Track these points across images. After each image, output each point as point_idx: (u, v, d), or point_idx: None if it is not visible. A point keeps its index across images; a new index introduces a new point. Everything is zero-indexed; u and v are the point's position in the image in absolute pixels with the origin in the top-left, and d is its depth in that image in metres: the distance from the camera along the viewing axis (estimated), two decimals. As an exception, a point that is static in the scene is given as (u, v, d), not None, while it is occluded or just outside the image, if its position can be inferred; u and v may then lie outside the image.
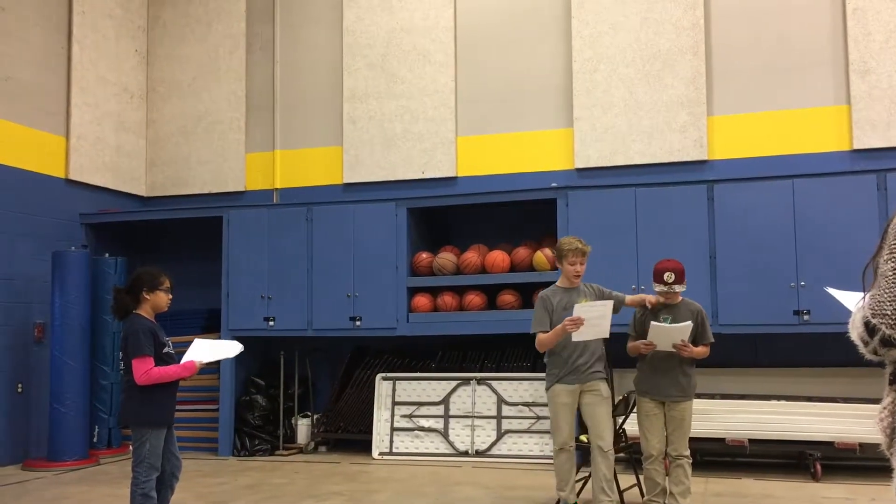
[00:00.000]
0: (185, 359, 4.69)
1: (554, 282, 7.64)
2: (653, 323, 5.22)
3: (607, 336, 5.28)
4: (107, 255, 8.81)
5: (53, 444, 7.97)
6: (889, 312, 1.82)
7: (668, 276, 5.22)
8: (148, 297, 4.73)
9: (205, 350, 4.80)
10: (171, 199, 9.97)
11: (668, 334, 5.17)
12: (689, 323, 5.16)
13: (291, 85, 9.74)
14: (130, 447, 4.68)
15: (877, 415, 1.98)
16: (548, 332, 5.28)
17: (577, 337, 5.15)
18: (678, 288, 5.24)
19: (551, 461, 7.61)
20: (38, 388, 8.28)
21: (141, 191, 10.03)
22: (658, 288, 5.29)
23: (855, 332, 1.92)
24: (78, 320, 8.15)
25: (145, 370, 4.51)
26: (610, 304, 5.19)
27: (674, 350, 5.18)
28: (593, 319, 5.09)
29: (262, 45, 9.87)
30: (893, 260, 1.85)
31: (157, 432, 4.59)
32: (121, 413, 4.80)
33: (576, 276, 5.40)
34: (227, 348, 4.95)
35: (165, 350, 4.70)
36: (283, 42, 9.80)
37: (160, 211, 9.55)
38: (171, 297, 4.88)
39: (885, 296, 1.83)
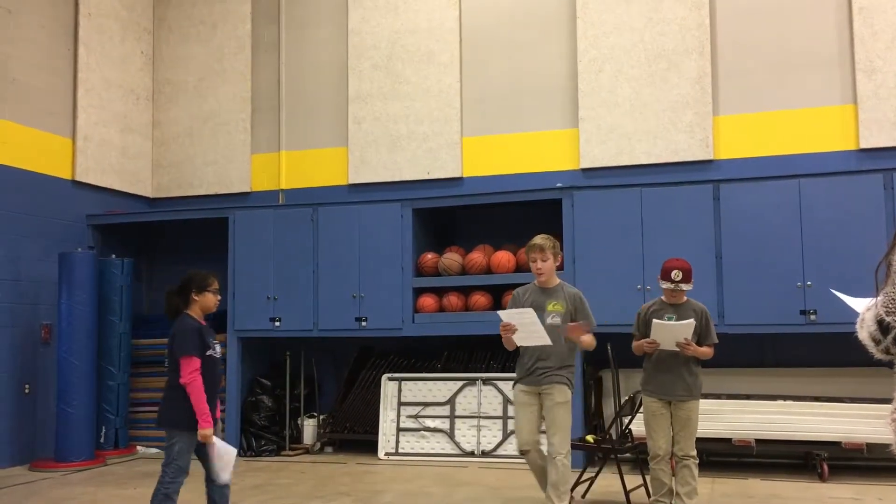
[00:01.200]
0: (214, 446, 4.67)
1: (560, 283, 7.69)
2: (655, 321, 5.23)
3: (549, 343, 5.05)
4: (113, 256, 8.83)
5: (60, 445, 7.99)
6: None
7: (676, 274, 5.23)
8: (197, 297, 4.81)
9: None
10: (177, 200, 9.99)
11: (671, 332, 5.18)
12: (692, 321, 5.16)
13: (297, 86, 9.76)
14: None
15: (888, 415, 1.97)
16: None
17: (519, 342, 5.11)
18: (684, 286, 5.24)
19: (557, 461, 7.65)
20: (45, 389, 8.30)
21: (147, 192, 10.06)
22: (664, 285, 5.30)
23: (865, 331, 1.91)
24: (84, 321, 8.17)
25: (192, 370, 4.57)
26: (530, 311, 4.99)
27: (677, 349, 5.18)
28: (526, 326, 4.99)
29: (267, 46, 9.89)
30: None
31: (189, 435, 4.62)
32: (158, 412, 4.89)
33: (538, 274, 5.27)
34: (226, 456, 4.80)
35: (209, 353, 4.73)
36: (289, 43, 9.82)
37: (166, 212, 9.57)
38: (219, 298, 4.95)
39: None
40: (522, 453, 5.31)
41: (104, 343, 8.55)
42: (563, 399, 5.17)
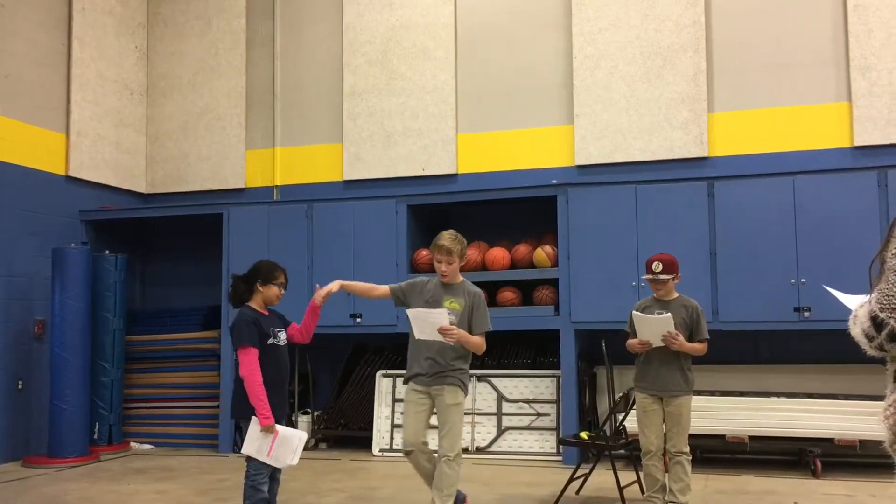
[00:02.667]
0: (277, 434, 4.67)
1: (554, 279, 7.71)
2: (633, 312, 5.25)
3: (441, 340, 4.89)
4: (107, 252, 8.81)
5: (54, 441, 7.97)
6: None
7: (656, 266, 5.26)
8: (261, 288, 4.86)
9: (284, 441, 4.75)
10: (171, 196, 9.96)
11: (651, 326, 5.18)
12: (669, 315, 5.15)
13: (292, 81, 9.73)
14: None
15: (881, 412, 1.97)
16: (393, 290, 5.15)
17: (418, 335, 4.93)
18: (664, 276, 5.25)
19: (552, 457, 7.67)
20: (39, 385, 8.28)
21: (141, 188, 10.03)
22: (645, 277, 5.37)
23: (858, 327, 1.91)
24: (78, 317, 8.15)
25: (249, 363, 4.61)
26: (443, 312, 4.85)
27: (663, 344, 5.18)
28: (430, 323, 4.84)
29: (262, 41, 9.87)
30: None
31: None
32: (232, 405, 4.92)
33: (442, 276, 5.07)
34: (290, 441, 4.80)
35: (270, 342, 4.78)
36: (284, 38, 9.80)
37: (160, 208, 9.54)
38: (283, 292, 4.98)
39: (895, 290, 1.82)
40: (406, 454, 5.08)
41: (98, 339, 8.53)
42: (454, 401, 5.00)
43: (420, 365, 5.04)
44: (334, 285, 5.17)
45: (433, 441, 5.01)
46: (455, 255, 5.06)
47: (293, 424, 8.50)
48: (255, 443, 4.65)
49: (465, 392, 5.12)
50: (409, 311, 4.96)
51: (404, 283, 5.24)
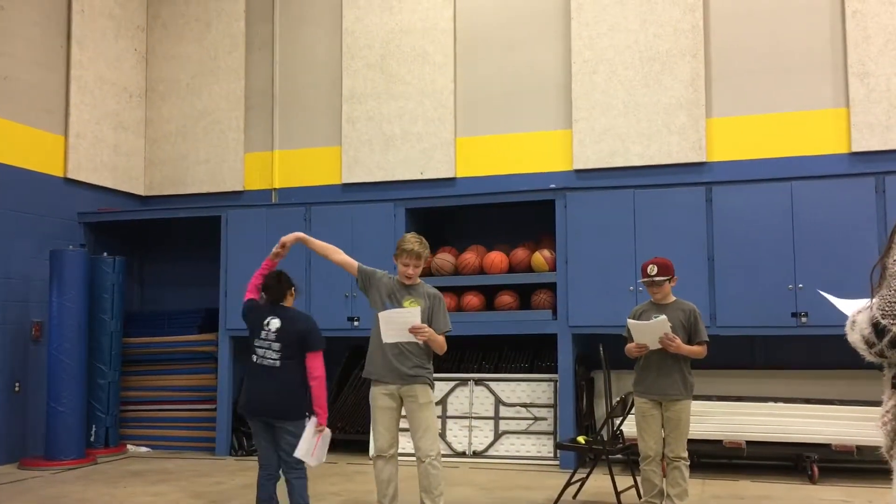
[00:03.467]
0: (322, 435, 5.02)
1: (552, 283, 7.72)
2: (629, 320, 5.27)
3: (413, 340, 4.94)
4: (105, 254, 8.80)
5: (50, 443, 7.95)
6: None
7: (651, 269, 5.29)
8: (291, 296, 5.28)
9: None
10: (169, 198, 9.96)
11: (646, 330, 5.18)
12: (664, 317, 5.16)
13: (290, 85, 9.74)
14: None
15: (879, 418, 1.97)
16: (360, 268, 5.17)
17: (386, 338, 4.92)
18: (659, 279, 5.26)
19: (550, 462, 7.66)
20: (36, 388, 8.27)
21: (139, 190, 10.03)
22: (641, 281, 5.41)
23: (857, 333, 1.90)
24: (76, 319, 8.14)
25: (321, 365, 4.98)
26: (416, 311, 4.88)
27: (661, 346, 5.18)
28: (399, 324, 4.87)
29: (261, 45, 9.88)
30: None
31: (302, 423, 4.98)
32: (281, 404, 5.00)
33: (407, 279, 5.09)
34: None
35: None
36: (283, 42, 9.81)
37: (158, 210, 9.54)
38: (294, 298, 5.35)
39: None
40: (379, 458, 5.06)
41: (95, 341, 8.52)
42: (426, 399, 5.03)
43: (388, 366, 5.01)
44: (292, 236, 5.36)
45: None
46: (422, 259, 5.14)
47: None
48: (306, 444, 4.89)
49: (434, 390, 5.20)
50: (382, 314, 4.93)
51: (368, 269, 5.23)
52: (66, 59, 8.98)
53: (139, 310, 9.87)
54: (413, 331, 4.85)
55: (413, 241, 5.11)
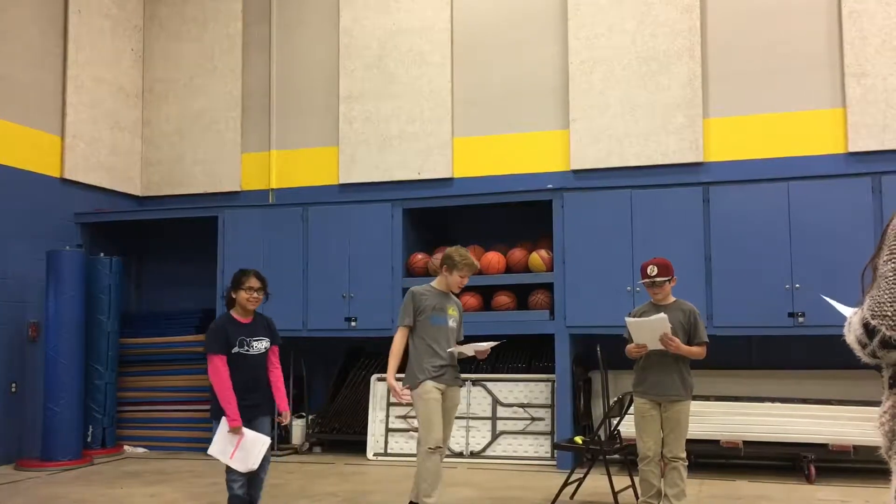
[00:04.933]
0: (241, 437, 4.87)
1: (550, 284, 7.72)
2: (627, 319, 5.27)
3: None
4: (102, 254, 8.79)
5: (47, 444, 7.94)
6: (889, 314, 1.80)
7: (651, 269, 5.27)
8: (234, 295, 5.11)
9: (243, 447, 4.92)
10: (166, 198, 9.96)
11: (647, 329, 5.16)
12: (663, 315, 5.14)
13: (288, 85, 9.73)
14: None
15: (877, 419, 1.97)
16: (411, 326, 5.32)
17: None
18: (660, 279, 5.25)
19: (547, 462, 7.66)
20: (32, 388, 8.25)
21: (136, 190, 10.02)
22: (642, 282, 5.39)
23: (852, 334, 1.91)
24: (72, 320, 8.13)
25: (214, 367, 4.88)
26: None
27: (660, 347, 5.18)
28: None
29: (258, 45, 9.87)
30: (894, 261, 1.84)
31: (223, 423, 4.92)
32: (210, 407, 5.16)
33: (458, 287, 5.46)
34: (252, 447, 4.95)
35: (235, 350, 4.97)
36: (280, 42, 9.80)
37: (155, 211, 9.53)
38: (253, 295, 5.11)
39: (886, 297, 1.82)
40: (432, 451, 5.20)
41: (92, 342, 8.51)
42: (459, 400, 5.55)
43: (442, 362, 5.28)
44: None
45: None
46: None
47: (282, 427, 8.49)
48: (219, 444, 4.84)
49: None
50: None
51: (408, 308, 5.37)
52: (63, 59, 8.96)
53: (136, 310, 9.85)
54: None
55: (470, 255, 5.43)
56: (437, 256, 8.20)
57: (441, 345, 5.30)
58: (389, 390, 5.38)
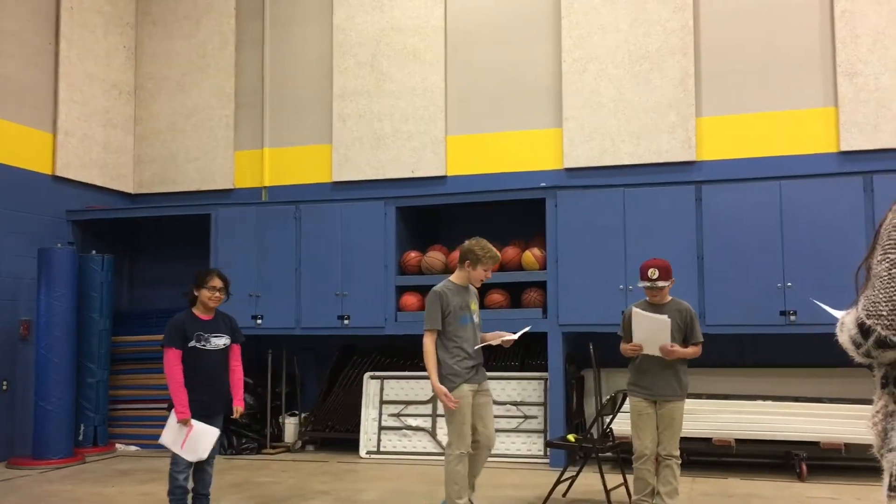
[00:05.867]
0: (191, 429, 4.99)
1: (543, 282, 7.72)
2: (634, 308, 5.26)
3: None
4: (94, 252, 8.76)
5: (39, 442, 7.92)
6: (885, 313, 1.80)
7: (652, 272, 5.25)
8: (197, 293, 5.24)
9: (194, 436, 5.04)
10: (158, 196, 9.92)
11: (648, 325, 5.15)
12: (667, 318, 5.14)
13: (281, 82, 9.71)
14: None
15: (869, 418, 1.97)
16: (439, 329, 5.24)
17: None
18: (661, 283, 5.25)
19: (540, 460, 7.67)
20: (24, 386, 8.22)
21: (128, 188, 9.98)
22: (642, 284, 5.34)
23: (845, 334, 1.91)
24: (64, 318, 8.10)
25: (167, 360, 5.02)
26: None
27: (660, 354, 5.18)
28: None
29: (251, 42, 9.84)
30: (888, 260, 1.84)
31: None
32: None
33: (482, 280, 5.41)
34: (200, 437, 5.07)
35: (191, 344, 5.08)
36: (273, 39, 9.77)
37: (148, 208, 9.50)
38: (217, 294, 5.25)
39: (881, 296, 1.82)
40: (465, 455, 5.22)
41: (84, 340, 8.48)
42: (490, 392, 5.51)
43: (473, 362, 5.27)
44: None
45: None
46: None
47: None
48: (170, 434, 4.98)
49: None
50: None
51: (436, 311, 5.26)
52: (55, 56, 8.93)
53: (128, 308, 9.82)
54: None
55: (493, 248, 5.38)
56: (431, 254, 8.20)
57: (470, 344, 5.26)
58: (437, 398, 5.25)
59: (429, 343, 5.22)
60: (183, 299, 5.37)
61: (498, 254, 5.44)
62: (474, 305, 5.41)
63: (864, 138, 7.75)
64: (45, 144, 8.78)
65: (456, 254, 8.11)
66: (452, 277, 5.45)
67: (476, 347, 5.28)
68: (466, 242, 5.42)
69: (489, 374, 8.08)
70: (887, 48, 7.76)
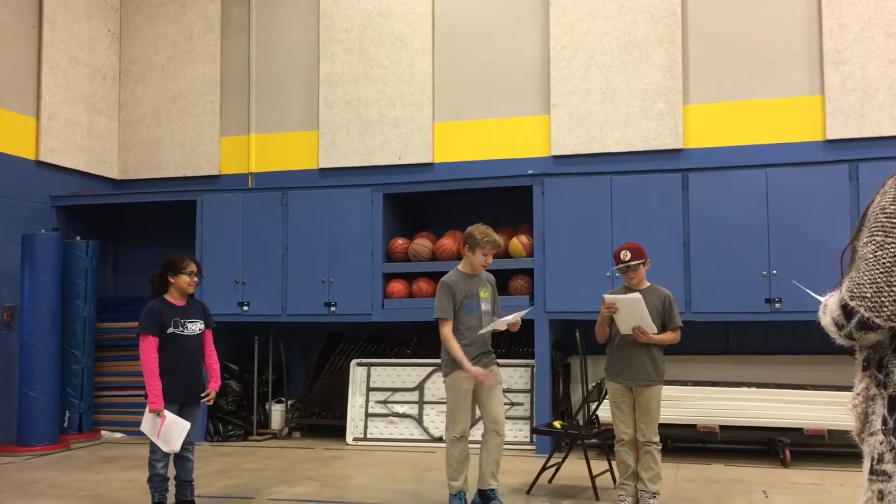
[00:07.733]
0: (164, 419, 4.98)
1: (530, 269, 7.73)
2: (604, 295, 5.27)
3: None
4: (78, 238, 8.69)
5: (23, 429, 7.88)
6: (868, 295, 1.81)
7: (625, 255, 5.30)
8: (172, 280, 5.20)
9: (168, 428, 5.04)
10: (143, 182, 9.84)
11: (622, 305, 5.16)
12: (637, 295, 5.15)
13: (267, 68, 9.64)
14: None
15: (850, 401, 1.98)
16: (451, 319, 5.21)
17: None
18: (633, 263, 5.27)
19: (526, 446, 7.70)
20: (8, 373, 8.17)
21: (113, 173, 9.90)
22: (616, 267, 5.41)
23: (828, 316, 1.91)
24: (48, 304, 8.05)
25: (142, 349, 5.01)
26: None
27: (631, 333, 5.20)
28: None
29: (237, 27, 9.76)
30: (873, 242, 1.85)
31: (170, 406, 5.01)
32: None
33: (483, 267, 5.35)
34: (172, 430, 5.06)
35: (170, 331, 5.10)
36: (259, 24, 9.70)
37: (133, 194, 9.43)
38: (194, 280, 5.27)
39: (865, 278, 1.83)
40: (459, 439, 5.24)
41: (68, 326, 8.43)
42: (501, 378, 5.45)
43: (476, 351, 5.20)
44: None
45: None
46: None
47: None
48: (148, 423, 5.00)
49: None
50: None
51: (445, 300, 5.23)
52: (38, 40, 8.82)
53: (113, 295, 9.77)
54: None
55: (491, 232, 5.32)
56: (418, 242, 8.19)
57: (473, 332, 5.21)
58: (473, 377, 5.13)
59: (445, 332, 5.19)
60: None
61: (498, 239, 5.39)
62: (484, 293, 5.32)
63: (850, 127, 7.78)
64: (29, 129, 8.69)
65: (442, 241, 8.16)
66: (460, 266, 5.44)
67: (479, 333, 5.19)
68: (469, 228, 5.39)
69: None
70: (873, 37, 7.78)
